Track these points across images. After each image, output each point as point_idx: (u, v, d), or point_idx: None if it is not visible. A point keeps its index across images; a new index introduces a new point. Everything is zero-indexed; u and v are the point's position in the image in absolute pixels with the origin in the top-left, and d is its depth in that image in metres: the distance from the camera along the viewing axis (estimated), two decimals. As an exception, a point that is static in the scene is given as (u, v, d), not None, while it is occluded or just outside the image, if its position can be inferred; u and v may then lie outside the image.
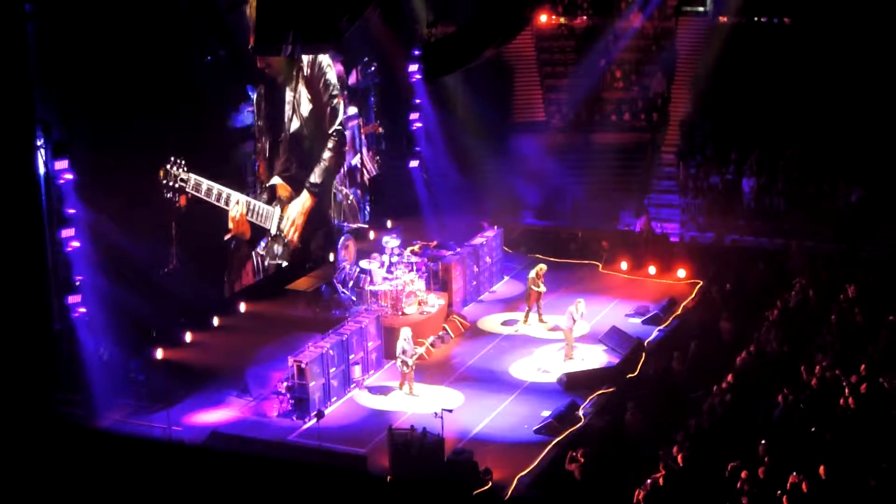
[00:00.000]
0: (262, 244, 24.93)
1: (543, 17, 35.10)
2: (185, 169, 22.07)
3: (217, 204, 23.17)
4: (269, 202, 24.78)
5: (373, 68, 28.61)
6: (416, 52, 30.08)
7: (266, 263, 24.78)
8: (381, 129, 29.73)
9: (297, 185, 25.88)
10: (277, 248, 25.01)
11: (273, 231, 24.95)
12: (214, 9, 23.37)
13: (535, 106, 34.74)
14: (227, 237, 23.78)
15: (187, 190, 22.31)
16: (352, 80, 28.42)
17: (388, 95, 31.26)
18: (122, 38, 21.03)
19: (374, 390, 22.01)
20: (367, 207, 29.24)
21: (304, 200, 25.90)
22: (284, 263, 25.46)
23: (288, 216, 25.48)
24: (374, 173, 29.41)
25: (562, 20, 35.57)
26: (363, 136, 29.08)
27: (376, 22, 28.10)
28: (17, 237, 19.94)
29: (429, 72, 29.32)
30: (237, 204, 23.61)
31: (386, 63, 30.66)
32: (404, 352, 21.40)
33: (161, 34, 21.90)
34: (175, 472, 5.39)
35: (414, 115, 31.18)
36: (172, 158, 21.91)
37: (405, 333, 21.61)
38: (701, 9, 35.61)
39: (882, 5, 31.08)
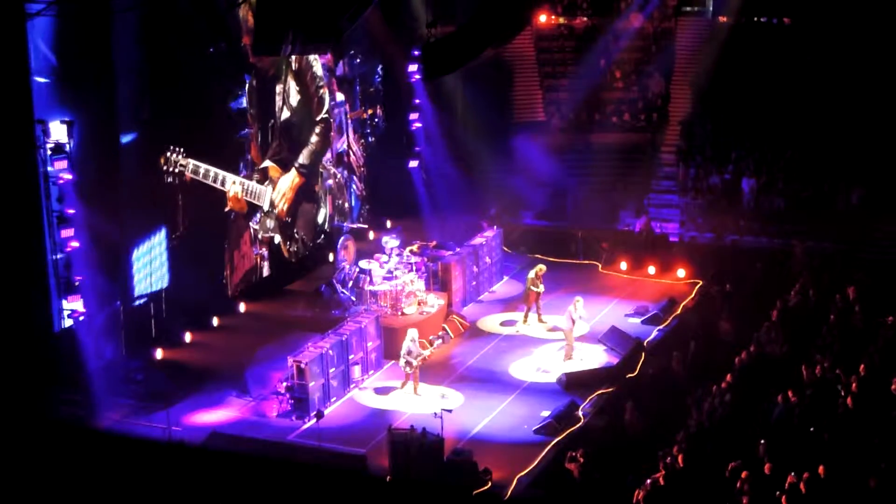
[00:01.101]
0: (256, 218, 25.69)
1: (543, 17, 35.11)
2: (184, 155, 23.00)
3: (214, 185, 24.13)
4: (262, 182, 25.74)
5: (358, 60, 28.89)
6: (416, 53, 30.10)
7: (260, 236, 25.70)
8: (365, 115, 30.01)
9: (288, 168, 26.68)
10: (269, 223, 26.03)
11: (266, 207, 25.78)
12: (214, 8, 23.56)
13: (535, 106, 34.75)
14: (227, 208, 24.77)
15: (186, 174, 23.28)
16: (339, 70, 28.70)
17: (388, 95, 31.31)
18: (122, 33, 21.15)
19: (378, 391, 21.96)
20: (353, 186, 29.53)
21: (293, 177, 26.89)
22: (277, 238, 26.26)
23: (279, 189, 26.36)
24: (361, 155, 29.71)
25: (561, 20, 35.58)
26: (349, 121, 29.36)
27: (373, 19, 28.25)
28: (17, 237, 19.94)
29: (428, 72, 29.32)
30: (233, 184, 24.67)
31: (385, 63, 30.76)
32: (409, 352, 21.34)
33: (162, 30, 22.17)
34: (174, 472, 5.39)
35: (414, 115, 31.21)
36: (171, 146, 22.70)
37: (412, 334, 21.56)
38: (700, 9, 35.64)
39: (882, 5, 31.08)
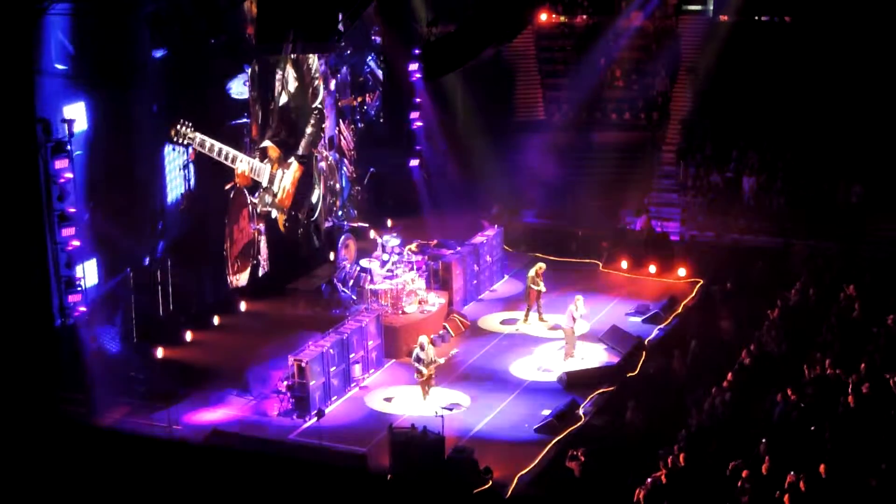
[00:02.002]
0: (256, 194, 26.28)
1: (543, 16, 35.14)
2: (192, 129, 23.55)
3: (218, 159, 24.70)
4: (262, 160, 26.43)
5: (349, 51, 29.01)
6: (416, 52, 30.15)
7: (259, 210, 26.34)
8: (355, 102, 30.20)
9: (285, 148, 27.28)
10: (267, 198, 26.62)
11: (265, 184, 26.41)
12: (215, 7, 23.76)
13: (536, 104, 34.79)
14: (227, 187, 25.13)
15: (194, 146, 23.85)
16: (332, 61, 28.93)
17: (389, 95, 31.36)
18: (125, 30, 21.36)
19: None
20: (344, 168, 29.91)
21: (294, 171, 27.52)
22: (274, 213, 26.90)
23: (282, 185, 27.00)
24: (351, 140, 30.03)
25: (562, 19, 35.61)
26: (340, 108, 29.67)
27: (370, 17, 28.45)
28: (18, 237, 19.97)
29: (429, 71, 29.37)
30: (241, 162, 25.39)
31: (380, 56, 30.88)
32: (419, 360, 21.16)
33: (167, 22, 22.43)
34: (176, 470, 5.40)
35: (414, 114, 31.24)
36: (181, 120, 23.18)
37: (421, 340, 21.35)
38: (701, 7, 35.67)
39: (882, 5, 31.10)
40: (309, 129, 28.16)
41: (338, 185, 29.75)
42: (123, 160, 21.79)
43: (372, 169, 31.17)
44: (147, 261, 22.82)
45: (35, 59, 19.70)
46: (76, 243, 20.20)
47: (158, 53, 22.43)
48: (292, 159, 27.32)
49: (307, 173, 28.09)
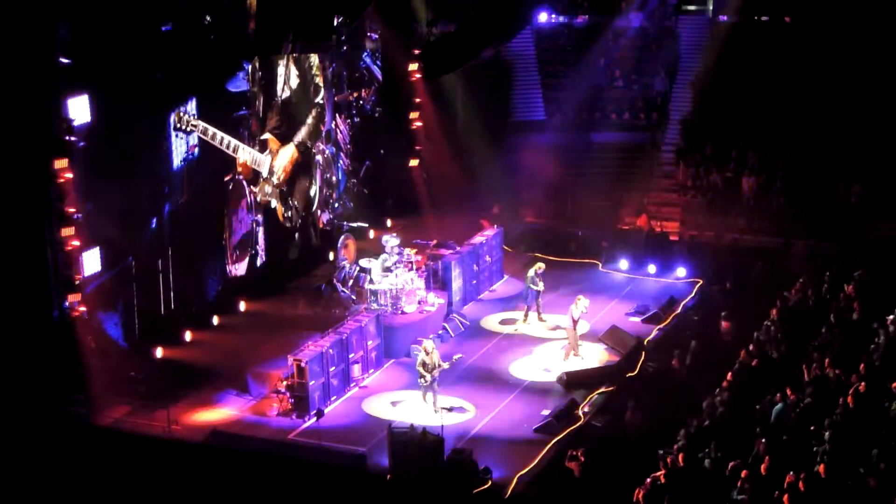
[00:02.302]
0: (255, 186, 26.63)
1: (543, 16, 35.17)
2: (195, 116, 23.74)
3: (220, 147, 24.94)
4: (262, 152, 26.76)
5: (345, 48, 29.05)
6: (416, 52, 30.13)
7: (259, 199, 26.68)
8: (351, 98, 30.24)
9: (286, 141, 27.63)
10: (267, 188, 26.96)
11: (265, 174, 26.76)
12: (216, 4, 23.86)
13: (535, 105, 34.79)
14: (227, 178, 25.39)
15: (197, 134, 23.99)
16: (330, 57, 29.00)
17: (388, 94, 31.37)
18: (125, 27, 21.38)
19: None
20: (340, 161, 30.04)
21: (292, 152, 27.88)
22: (273, 202, 27.16)
23: (279, 163, 27.34)
24: (347, 134, 30.20)
25: (562, 19, 35.63)
26: (337, 102, 29.76)
27: (368, 14, 28.51)
28: (18, 236, 19.98)
29: (429, 71, 29.38)
30: (242, 152, 25.74)
31: (386, 61, 30.86)
32: (424, 365, 21.00)
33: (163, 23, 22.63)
34: (176, 470, 5.41)
35: (414, 114, 31.23)
36: (184, 109, 23.35)
37: (425, 345, 21.18)
38: (701, 7, 35.70)
39: (882, 5, 31.11)
40: (309, 121, 28.38)
41: (334, 178, 29.84)
42: (126, 153, 21.78)
43: (368, 162, 31.20)
44: (154, 223, 22.94)
45: (37, 58, 19.73)
46: (76, 243, 20.22)
47: (166, 27, 22.62)
48: (291, 144, 27.53)
49: (305, 167, 28.18)
